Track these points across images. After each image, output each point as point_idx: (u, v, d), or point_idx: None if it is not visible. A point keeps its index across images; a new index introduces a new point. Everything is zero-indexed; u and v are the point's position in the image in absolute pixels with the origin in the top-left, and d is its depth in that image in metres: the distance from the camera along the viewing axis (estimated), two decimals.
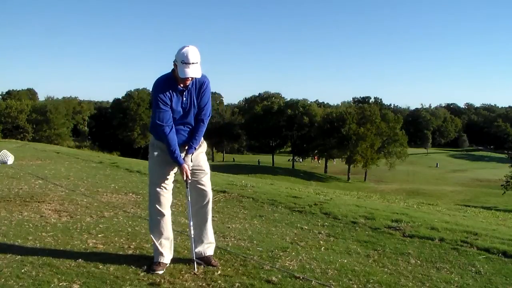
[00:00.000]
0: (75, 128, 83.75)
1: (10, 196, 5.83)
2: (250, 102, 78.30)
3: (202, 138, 3.33)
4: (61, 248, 3.59)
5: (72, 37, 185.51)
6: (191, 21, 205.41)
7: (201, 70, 2.99)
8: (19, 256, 3.31)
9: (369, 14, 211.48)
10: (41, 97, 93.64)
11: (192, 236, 3.24)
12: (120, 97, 72.99)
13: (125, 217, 4.79)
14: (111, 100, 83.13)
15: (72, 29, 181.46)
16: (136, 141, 67.73)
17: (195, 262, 3.21)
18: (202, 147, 3.37)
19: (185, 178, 3.16)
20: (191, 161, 3.19)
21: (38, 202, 5.43)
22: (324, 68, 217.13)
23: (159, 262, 3.17)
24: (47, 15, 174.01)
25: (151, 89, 3.20)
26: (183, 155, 3.18)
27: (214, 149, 72.30)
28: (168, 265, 3.21)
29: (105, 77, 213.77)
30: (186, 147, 3.22)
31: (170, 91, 3.05)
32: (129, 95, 70.74)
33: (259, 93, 78.72)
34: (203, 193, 3.31)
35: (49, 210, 5.02)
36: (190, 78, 3.01)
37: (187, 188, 3.25)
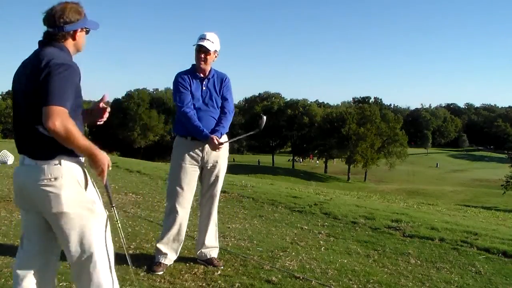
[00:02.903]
0: None
1: (10, 196, 5.82)
2: (250, 102, 78.27)
3: (226, 136, 3.30)
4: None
5: None
6: (191, 21, 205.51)
7: (215, 47, 3.13)
8: None
9: (369, 14, 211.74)
10: None
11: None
12: (120, 97, 73.03)
13: (125, 217, 4.78)
14: (111, 100, 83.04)
15: None
16: (136, 141, 67.69)
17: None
18: (225, 144, 3.30)
19: (217, 150, 3.11)
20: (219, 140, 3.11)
21: None
22: (324, 68, 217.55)
23: (160, 263, 3.17)
24: None
25: (171, 85, 3.26)
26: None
27: None
28: (168, 266, 3.21)
29: (105, 77, 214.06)
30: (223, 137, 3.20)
31: (190, 77, 3.18)
32: (129, 95, 70.74)
33: (259, 93, 78.80)
34: (213, 197, 3.31)
35: None
36: (203, 56, 3.11)
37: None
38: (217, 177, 3.28)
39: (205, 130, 3.08)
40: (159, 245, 3.21)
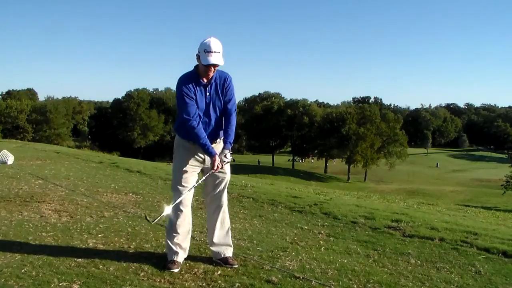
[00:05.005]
0: (75, 128, 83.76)
1: (10, 196, 5.83)
2: (250, 102, 78.26)
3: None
4: (61, 248, 3.60)
5: (72, 37, 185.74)
6: (190, 21, 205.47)
7: (223, 60, 3.05)
8: (19, 256, 3.31)
9: (369, 14, 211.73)
10: (41, 97, 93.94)
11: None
12: (120, 97, 73.05)
13: (125, 217, 4.78)
14: (111, 100, 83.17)
15: (72, 29, 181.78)
16: (136, 141, 67.74)
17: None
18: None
19: (215, 169, 3.13)
20: (226, 157, 3.18)
21: (38, 202, 5.43)
22: (324, 68, 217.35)
23: (174, 261, 3.20)
24: (47, 15, 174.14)
25: (174, 88, 3.25)
26: (217, 150, 3.20)
27: None
28: (181, 263, 3.23)
29: (105, 77, 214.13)
30: (220, 142, 3.27)
31: (194, 85, 3.12)
32: (129, 95, 70.79)
33: (259, 93, 78.77)
34: (219, 197, 3.33)
35: (49, 210, 5.02)
36: (212, 69, 3.06)
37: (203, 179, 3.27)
38: (222, 179, 3.31)
39: (210, 148, 3.12)
40: (170, 244, 3.24)
